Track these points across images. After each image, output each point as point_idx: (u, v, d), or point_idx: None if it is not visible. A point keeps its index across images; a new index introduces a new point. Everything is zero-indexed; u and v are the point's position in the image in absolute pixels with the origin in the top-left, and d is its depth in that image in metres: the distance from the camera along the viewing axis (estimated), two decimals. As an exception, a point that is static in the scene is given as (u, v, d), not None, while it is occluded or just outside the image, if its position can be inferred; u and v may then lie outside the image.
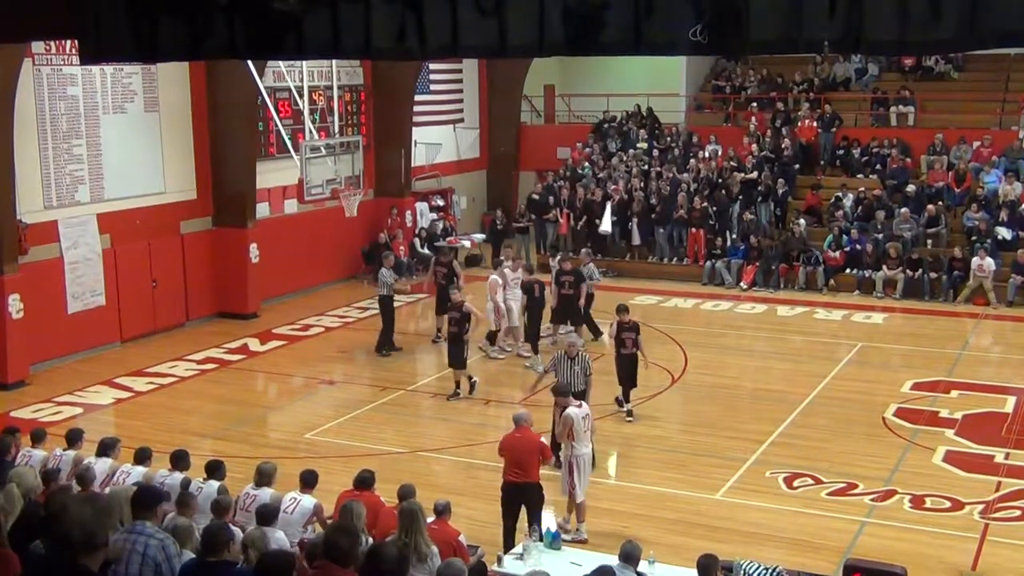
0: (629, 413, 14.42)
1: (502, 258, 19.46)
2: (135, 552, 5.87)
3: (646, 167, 25.23)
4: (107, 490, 8.94)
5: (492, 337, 17.69)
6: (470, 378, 15.71)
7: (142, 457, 9.95)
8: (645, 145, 26.37)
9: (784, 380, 16.45)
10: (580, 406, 10.97)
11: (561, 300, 17.71)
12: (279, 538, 8.10)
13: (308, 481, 9.36)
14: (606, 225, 23.68)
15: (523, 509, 10.30)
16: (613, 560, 8.11)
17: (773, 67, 27.63)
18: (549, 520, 10.27)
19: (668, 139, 26.49)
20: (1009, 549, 10.65)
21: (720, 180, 24.16)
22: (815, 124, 25.15)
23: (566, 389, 11.41)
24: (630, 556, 7.86)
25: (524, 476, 10.19)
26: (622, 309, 14.73)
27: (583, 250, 19.91)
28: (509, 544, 9.97)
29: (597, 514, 11.32)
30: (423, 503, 8.26)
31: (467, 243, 25.04)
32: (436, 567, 7.18)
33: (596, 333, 17.96)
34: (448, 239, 24.95)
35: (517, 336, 17.61)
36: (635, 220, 23.80)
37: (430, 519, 8.36)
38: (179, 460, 9.78)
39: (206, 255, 20.13)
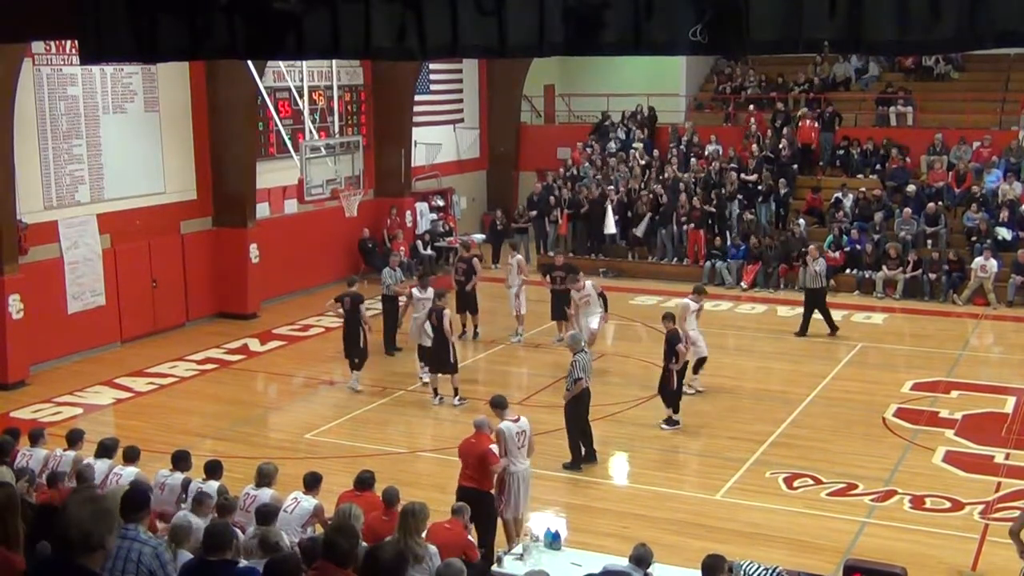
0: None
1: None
2: (129, 560, 5.83)
3: (645, 166, 25.26)
4: (103, 490, 8.94)
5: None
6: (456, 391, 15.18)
7: (131, 456, 9.95)
8: (641, 145, 26.35)
9: (784, 380, 16.46)
10: (516, 420, 10.29)
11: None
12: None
13: (310, 483, 9.34)
14: (610, 227, 23.72)
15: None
16: (613, 560, 8.11)
17: (773, 67, 27.63)
18: (551, 523, 10.20)
19: (669, 138, 26.48)
20: (1009, 549, 10.58)
21: (720, 180, 24.14)
22: (816, 124, 25.11)
23: (501, 401, 10.54)
24: (642, 559, 7.82)
25: (475, 483, 9.78)
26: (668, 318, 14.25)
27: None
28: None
29: (597, 514, 11.33)
30: (426, 503, 8.23)
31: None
32: (435, 567, 7.18)
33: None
34: (447, 239, 24.94)
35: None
36: (646, 218, 23.79)
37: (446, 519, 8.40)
38: (180, 460, 9.80)
39: (206, 255, 20.11)
